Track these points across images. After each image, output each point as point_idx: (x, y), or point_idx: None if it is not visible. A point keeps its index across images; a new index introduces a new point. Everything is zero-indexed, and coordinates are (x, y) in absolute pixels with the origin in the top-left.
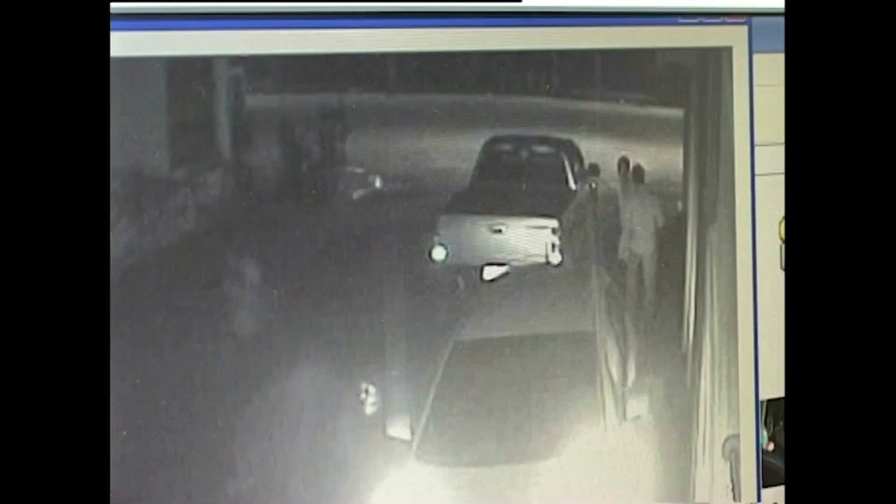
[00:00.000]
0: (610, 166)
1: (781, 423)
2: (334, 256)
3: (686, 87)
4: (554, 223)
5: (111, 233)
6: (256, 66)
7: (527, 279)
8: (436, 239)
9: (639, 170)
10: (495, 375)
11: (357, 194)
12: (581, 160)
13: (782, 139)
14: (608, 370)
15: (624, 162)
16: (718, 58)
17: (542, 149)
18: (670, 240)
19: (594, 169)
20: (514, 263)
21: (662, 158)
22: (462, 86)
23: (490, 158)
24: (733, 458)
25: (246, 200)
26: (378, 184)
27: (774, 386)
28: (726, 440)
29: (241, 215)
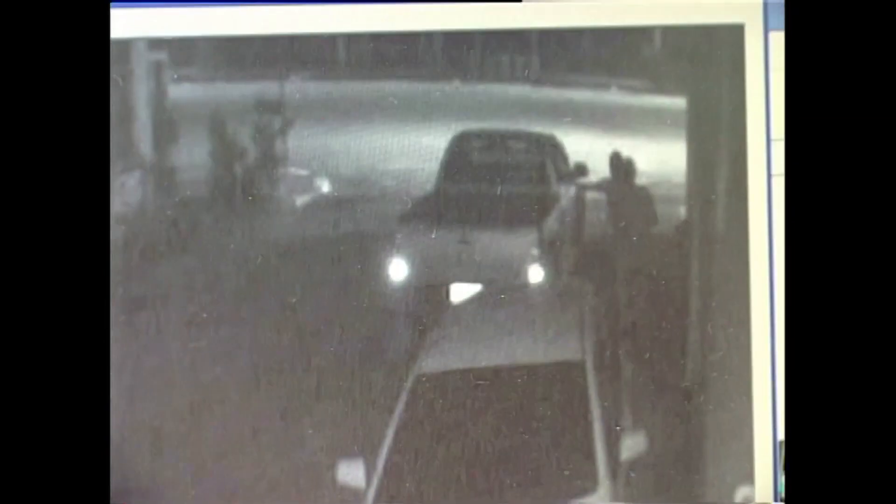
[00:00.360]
0: (600, 166)
1: None
2: (274, 274)
3: (690, 71)
4: (534, 233)
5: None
6: (182, 49)
7: (502, 300)
8: (394, 253)
9: (634, 170)
10: (465, 414)
11: (301, 201)
12: (566, 159)
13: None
14: (599, 406)
15: (616, 160)
16: (728, 37)
17: (520, 146)
18: (671, 253)
19: (581, 169)
20: (487, 282)
21: (662, 156)
22: (425, 72)
23: (458, 158)
24: None
25: (170, 208)
26: (326, 188)
27: None
28: (738, 488)
29: (164, 226)
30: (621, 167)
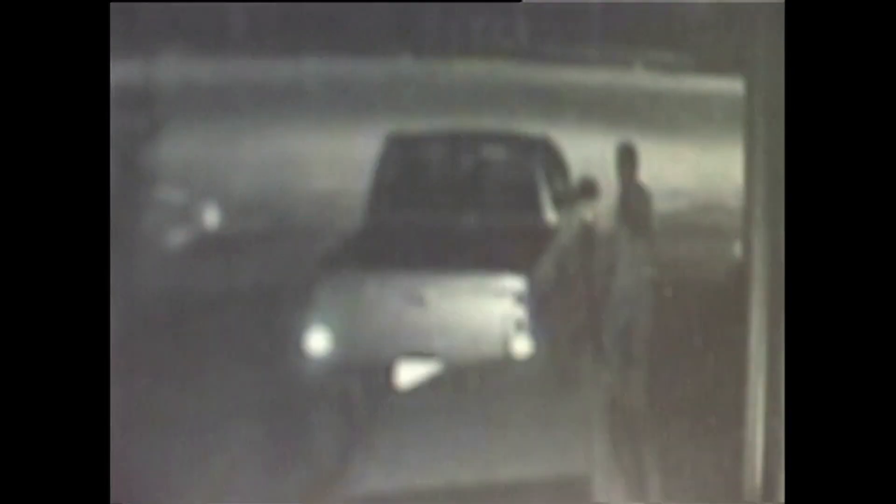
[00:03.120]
0: (634, 195)
1: None
2: (132, 350)
3: (749, 42)
4: (518, 283)
5: None
6: None
7: (473, 384)
8: (312, 317)
9: (664, 184)
10: None
11: (174, 239)
12: (564, 171)
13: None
14: None
15: (627, 163)
16: None
17: (498, 152)
18: (722, 312)
19: (589, 186)
20: (451, 355)
21: (708, 166)
22: (360, 43)
23: (403, 170)
24: None
25: None
26: (211, 219)
27: None
28: None
29: None
30: (636, 179)
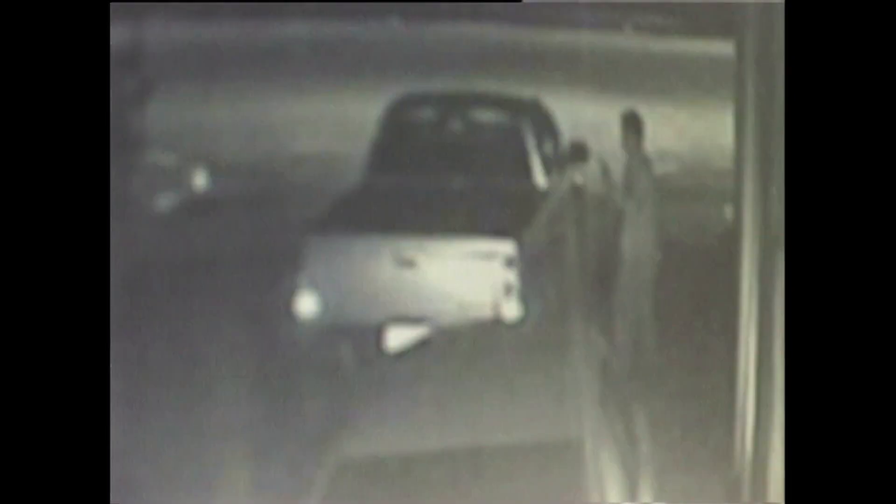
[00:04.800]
0: (607, 143)
1: None
2: (123, 313)
3: (739, 4)
4: (508, 247)
5: None
6: None
7: (462, 349)
8: (302, 280)
9: (654, 147)
10: None
11: (163, 202)
12: (555, 134)
13: None
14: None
15: (632, 132)
16: None
17: (488, 115)
18: (713, 274)
19: (579, 149)
20: (440, 319)
21: (698, 129)
22: (347, 5)
23: (398, 134)
24: None
25: None
26: (200, 182)
27: None
28: None
29: None
30: (639, 143)
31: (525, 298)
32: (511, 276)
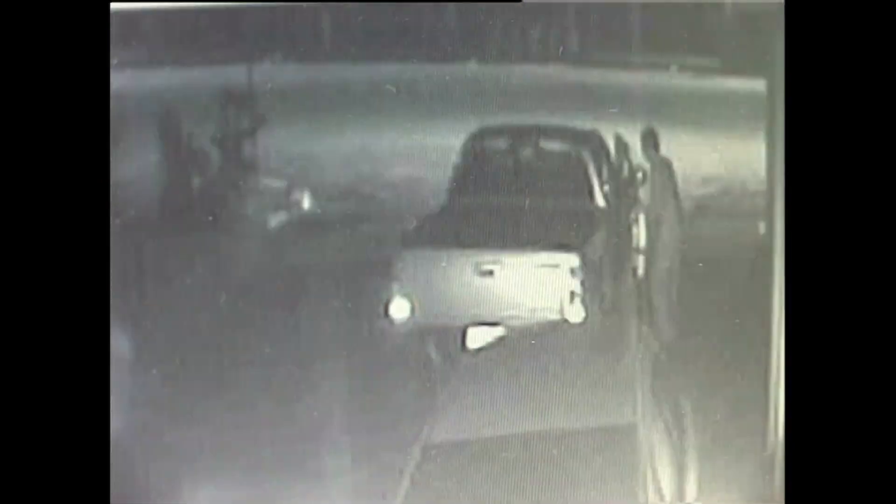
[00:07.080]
0: (659, 169)
1: None
2: (242, 316)
3: (770, 46)
4: (574, 259)
5: None
6: (121, 25)
7: (533, 347)
8: (395, 287)
9: (696, 172)
10: (488, 495)
11: (275, 221)
12: (611, 161)
13: None
14: (655, 480)
15: (650, 143)
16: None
17: (555, 145)
18: (749, 282)
19: (634, 174)
20: (514, 322)
21: (736, 153)
22: (432, 50)
23: (475, 162)
24: None
25: (114, 232)
26: (306, 204)
27: None
28: None
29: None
30: (670, 169)
31: (586, 303)
32: (575, 284)
